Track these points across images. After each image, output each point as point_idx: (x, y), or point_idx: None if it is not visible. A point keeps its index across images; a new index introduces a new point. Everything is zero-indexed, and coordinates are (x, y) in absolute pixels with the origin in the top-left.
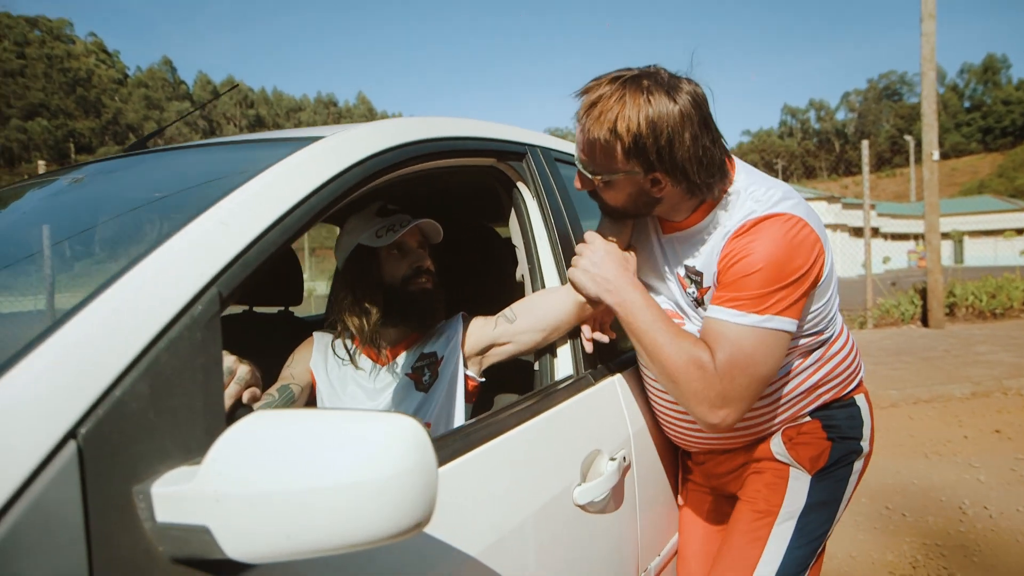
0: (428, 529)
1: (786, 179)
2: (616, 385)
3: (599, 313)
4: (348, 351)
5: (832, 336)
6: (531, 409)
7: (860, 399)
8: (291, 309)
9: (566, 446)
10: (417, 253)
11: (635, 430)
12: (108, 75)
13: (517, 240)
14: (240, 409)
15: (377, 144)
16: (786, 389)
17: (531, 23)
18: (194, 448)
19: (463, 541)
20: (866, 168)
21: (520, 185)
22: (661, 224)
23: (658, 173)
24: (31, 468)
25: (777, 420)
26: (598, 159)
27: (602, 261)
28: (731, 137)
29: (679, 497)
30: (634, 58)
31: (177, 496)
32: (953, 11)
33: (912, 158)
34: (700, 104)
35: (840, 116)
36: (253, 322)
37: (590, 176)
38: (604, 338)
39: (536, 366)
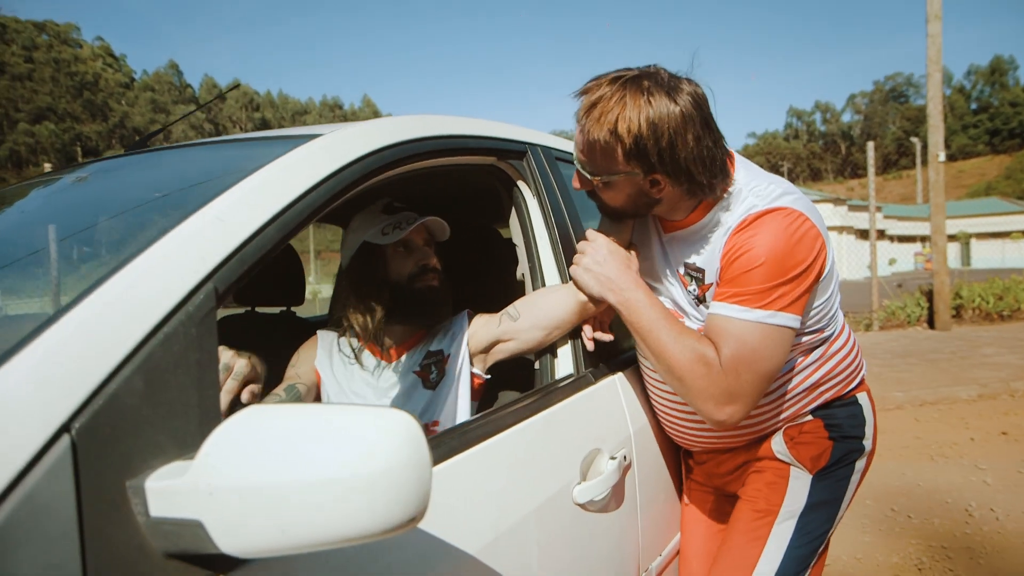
0: (426, 527)
1: (791, 181)
2: (617, 384)
3: (600, 312)
4: (353, 349)
5: (833, 334)
6: (530, 407)
7: (862, 397)
8: (293, 309)
9: (565, 445)
10: (423, 251)
11: (636, 429)
12: (115, 79)
13: (518, 239)
14: (238, 407)
15: (375, 142)
16: (788, 387)
17: (540, 25)
18: (189, 443)
19: (461, 540)
20: (871, 170)
21: (520, 184)
22: (662, 223)
23: (658, 174)
24: (24, 462)
25: (779, 418)
26: (598, 160)
27: (605, 260)
28: (736, 139)
29: (681, 497)
30: (639, 60)
31: (170, 490)
32: (960, 13)
33: (918, 160)
34: (701, 104)
35: (846, 118)
36: (255, 322)
37: (589, 176)
38: (606, 337)
39: (536, 365)
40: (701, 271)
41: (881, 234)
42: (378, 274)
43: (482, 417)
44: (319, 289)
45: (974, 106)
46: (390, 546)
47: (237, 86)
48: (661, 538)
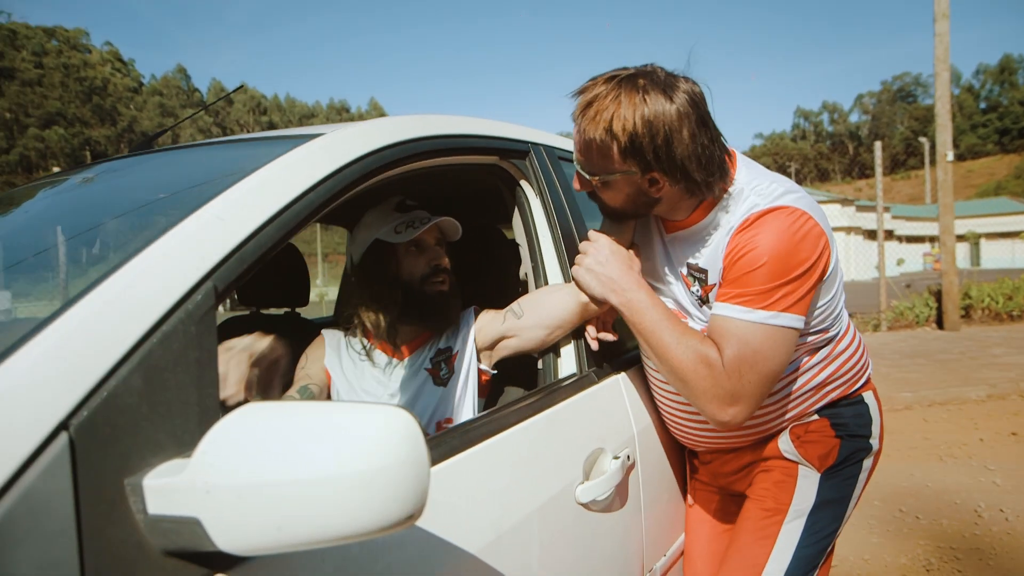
0: (428, 526)
1: (799, 182)
2: (620, 383)
3: (603, 312)
4: (365, 348)
5: (838, 333)
6: (533, 407)
7: (868, 396)
8: (298, 310)
9: (568, 444)
10: (435, 251)
11: (639, 429)
12: (123, 83)
13: (520, 239)
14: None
15: (375, 141)
16: (793, 387)
17: (547, 25)
18: (187, 441)
19: (463, 539)
20: (879, 170)
21: (523, 183)
22: (664, 223)
23: (656, 173)
24: (22, 459)
25: (784, 418)
26: (595, 159)
27: (607, 260)
28: (743, 140)
29: (686, 497)
30: (642, 60)
31: (168, 488)
32: (969, 12)
33: (927, 160)
34: (697, 102)
35: (854, 118)
36: (260, 323)
37: (588, 177)
38: (609, 337)
39: (540, 364)
40: (704, 271)
41: (890, 234)
42: (390, 272)
43: (485, 416)
44: (325, 291)
45: (983, 105)
46: (391, 545)
47: (242, 88)
48: (665, 538)
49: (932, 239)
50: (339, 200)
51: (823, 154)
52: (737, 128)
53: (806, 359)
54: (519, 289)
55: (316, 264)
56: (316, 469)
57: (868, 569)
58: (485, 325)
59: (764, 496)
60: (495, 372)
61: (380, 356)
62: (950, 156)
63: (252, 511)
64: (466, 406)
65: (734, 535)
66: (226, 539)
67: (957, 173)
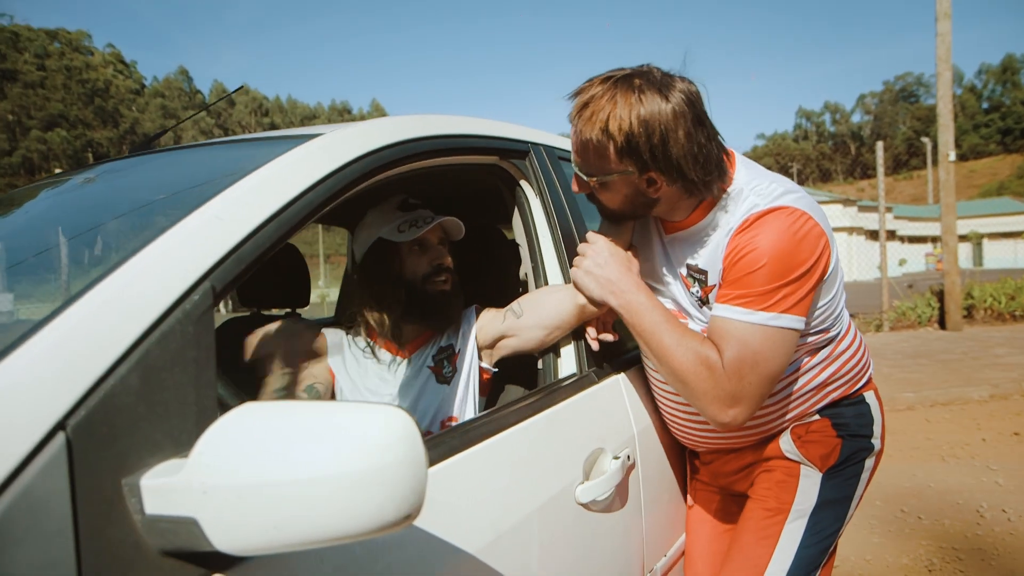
0: (427, 526)
1: (801, 182)
2: (620, 383)
3: (603, 314)
4: (369, 346)
5: (839, 334)
6: (533, 407)
7: (869, 396)
8: (298, 311)
9: (568, 444)
10: (438, 250)
11: (640, 429)
12: (126, 85)
13: (520, 239)
14: None
15: (374, 141)
16: (794, 387)
17: (549, 26)
18: (185, 441)
19: (462, 539)
20: (880, 170)
21: (523, 183)
22: (663, 224)
23: (653, 172)
24: (19, 459)
25: (785, 419)
26: (591, 160)
27: (606, 262)
28: (745, 141)
29: (687, 498)
30: (643, 60)
31: (165, 488)
32: (971, 12)
33: (929, 160)
34: (694, 101)
35: (856, 119)
36: (261, 324)
37: (585, 178)
38: (610, 338)
39: (540, 364)
40: (704, 272)
41: (892, 235)
42: (392, 271)
43: (485, 415)
44: (327, 293)
45: (986, 105)
46: (391, 545)
47: (243, 89)
48: (666, 539)
49: (935, 239)
50: (338, 200)
51: (825, 154)
52: (739, 129)
53: (807, 359)
54: (519, 290)
55: (318, 265)
56: (313, 469)
57: (870, 569)
58: (486, 324)
59: (766, 496)
60: (496, 370)
61: (383, 354)
62: (952, 156)
63: (249, 511)
64: (468, 404)
65: (736, 535)
66: (223, 539)
67: (960, 173)
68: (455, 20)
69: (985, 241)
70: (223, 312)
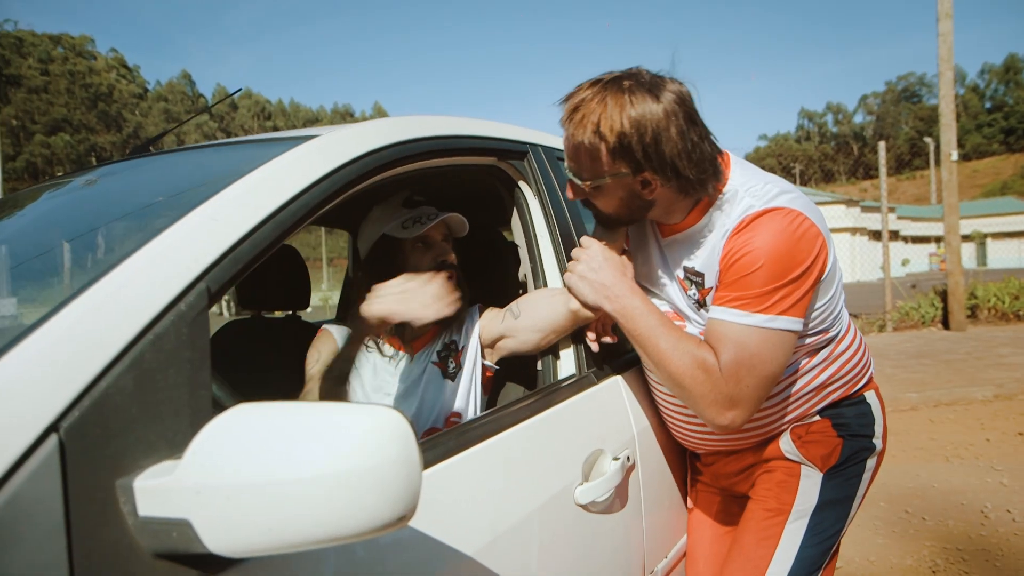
0: (425, 527)
1: (804, 183)
2: (620, 384)
3: (602, 316)
4: (375, 342)
5: (839, 334)
6: (532, 407)
7: (870, 396)
8: (298, 313)
9: (567, 445)
10: (441, 247)
11: (640, 430)
12: (128, 90)
13: (519, 240)
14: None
15: (371, 142)
16: (793, 389)
17: (550, 26)
18: (179, 442)
19: (461, 540)
20: (883, 169)
21: (522, 184)
22: (660, 228)
23: (647, 173)
24: (10, 462)
25: (785, 420)
26: (584, 163)
27: (600, 267)
28: (748, 142)
29: (688, 499)
30: (644, 60)
31: (158, 489)
32: (974, 12)
33: (932, 160)
34: (684, 100)
35: (858, 119)
36: (261, 327)
37: (580, 183)
38: (609, 340)
39: (539, 364)
40: (700, 275)
41: (895, 235)
42: (396, 267)
43: (484, 416)
44: (329, 296)
45: (988, 105)
46: (385, 545)
47: (244, 91)
48: (667, 540)
49: (938, 239)
50: (335, 201)
51: (827, 155)
52: (741, 130)
53: (806, 360)
54: (519, 291)
55: (321, 269)
56: (306, 470)
57: (873, 570)
58: (488, 323)
59: (766, 496)
60: (497, 368)
61: (389, 350)
62: (954, 156)
63: (242, 512)
64: (472, 401)
65: (736, 536)
66: (216, 540)
67: (963, 173)
68: (456, 21)
69: (989, 241)
70: (226, 316)
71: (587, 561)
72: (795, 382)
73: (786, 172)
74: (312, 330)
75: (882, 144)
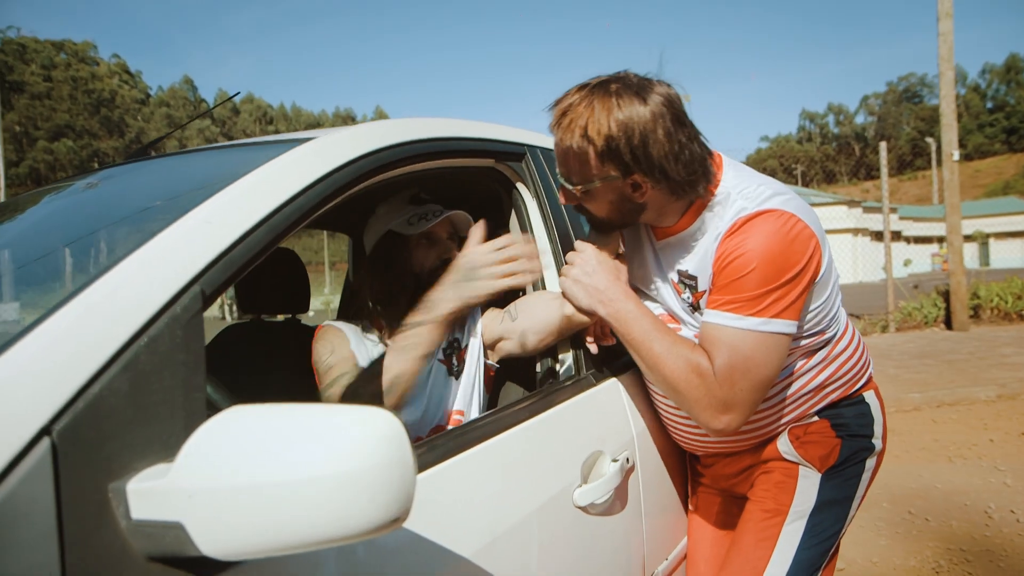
0: (422, 529)
1: (806, 184)
2: (619, 385)
3: (598, 320)
4: (380, 337)
5: (836, 335)
6: (530, 409)
7: (870, 396)
8: (298, 317)
9: (566, 447)
10: (445, 244)
11: (639, 431)
12: (131, 95)
13: None
14: None
15: (368, 144)
16: (791, 390)
17: (551, 27)
18: (173, 445)
19: (459, 542)
20: (884, 170)
21: (520, 186)
22: (653, 231)
23: (636, 175)
24: (2, 466)
25: (783, 421)
26: (574, 167)
27: (594, 271)
28: (749, 143)
29: (688, 501)
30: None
31: (151, 492)
32: (974, 12)
33: (934, 160)
34: (672, 102)
35: (859, 120)
36: (261, 330)
37: (571, 188)
38: (608, 342)
39: (538, 365)
40: (694, 278)
41: (897, 235)
42: (402, 263)
43: (482, 418)
44: (331, 299)
45: (990, 105)
46: (381, 547)
47: (237, 94)
48: (667, 542)
49: (940, 239)
50: (332, 204)
51: (829, 156)
52: (742, 131)
53: (803, 362)
54: (519, 292)
55: (323, 272)
56: (299, 472)
57: (876, 572)
58: (489, 323)
59: (764, 497)
60: (498, 366)
61: None
62: (956, 155)
63: (234, 515)
64: (475, 400)
65: (735, 537)
66: (209, 543)
67: (965, 173)
68: (456, 23)
69: (991, 241)
70: (227, 320)
71: (586, 563)
72: (793, 383)
73: (788, 173)
74: (312, 333)
75: (883, 144)
